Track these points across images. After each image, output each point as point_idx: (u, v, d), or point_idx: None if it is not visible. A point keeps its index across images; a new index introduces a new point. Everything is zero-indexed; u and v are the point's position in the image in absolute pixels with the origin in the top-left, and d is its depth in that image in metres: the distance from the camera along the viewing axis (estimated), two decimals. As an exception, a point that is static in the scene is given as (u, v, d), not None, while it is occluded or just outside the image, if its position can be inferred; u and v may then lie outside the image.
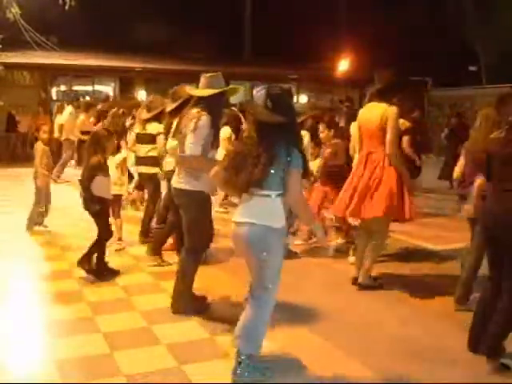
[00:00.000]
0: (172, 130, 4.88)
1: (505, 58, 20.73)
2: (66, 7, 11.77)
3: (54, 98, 17.18)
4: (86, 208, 5.03)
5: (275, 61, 19.31)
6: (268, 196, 3.04)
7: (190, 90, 4.39)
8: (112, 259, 5.59)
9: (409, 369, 3.40)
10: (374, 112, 4.69)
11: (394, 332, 3.95)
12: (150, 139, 6.07)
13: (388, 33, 21.17)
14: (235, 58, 21.09)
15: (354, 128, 5.41)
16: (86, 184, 4.94)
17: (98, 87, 17.83)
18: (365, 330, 3.97)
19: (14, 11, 11.68)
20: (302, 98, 20.02)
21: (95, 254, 5.00)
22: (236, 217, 3.14)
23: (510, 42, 20.60)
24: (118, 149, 6.21)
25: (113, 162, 6.00)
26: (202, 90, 4.17)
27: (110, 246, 5.55)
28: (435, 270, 5.49)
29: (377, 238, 4.80)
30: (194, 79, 16.60)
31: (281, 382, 3.20)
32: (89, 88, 17.55)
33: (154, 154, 6.07)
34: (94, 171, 4.93)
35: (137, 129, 6.47)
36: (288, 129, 3.08)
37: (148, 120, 6.13)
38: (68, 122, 11.16)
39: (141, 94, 17.32)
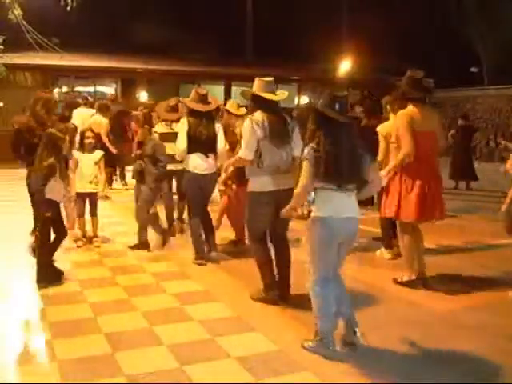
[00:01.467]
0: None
1: (507, 59, 20.72)
2: (68, 8, 11.80)
3: (56, 98, 17.19)
4: (36, 210, 4.91)
5: (276, 62, 19.32)
6: (354, 191, 3.54)
7: (266, 94, 4.36)
8: (113, 259, 5.61)
9: (410, 369, 3.40)
10: (431, 118, 4.87)
11: (396, 333, 3.95)
12: (175, 137, 6.33)
13: (389, 33, 21.18)
14: (236, 59, 21.11)
15: (387, 129, 5.51)
16: (39, 186, 4.79)
17: (99, 88, 17.85)
18: (367, 330, 3.97)
19: (16, 12, 11.71)
20: (304, 99, 20.02)
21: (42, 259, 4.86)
22: (347, 211, 3.49)
23: (511, 43, 20.59)
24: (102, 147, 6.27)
25: (91, 159, 6.05)
26: (278, 95, 4.44)
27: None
28: (438, 269, 5.48)
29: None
30: (195, 80, 16.70)
31: (282, 381, 3.20)
32: (90, 89, 17.57)
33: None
34: (50, 174, 4.78)
35: (161, 129, 6.65)
36: (354, 128, 3.59)
37: (175, 120, 6.55)
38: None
39: (142, 95, 17.35)
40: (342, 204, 3.47)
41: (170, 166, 6.52)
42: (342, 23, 23.88)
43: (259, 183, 4.30)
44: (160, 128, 6.75)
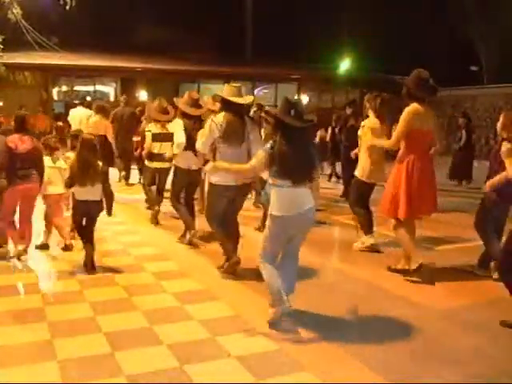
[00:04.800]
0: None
1: (506, 58, 20.73)
2: (67, 7, 11.81)
3: (56, 98, 17.21)
4: (98, 212, 5.13)
5: (276, 61, 19.32)
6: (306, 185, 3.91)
7: (234, 98, 4.80)
8: (113, 259, 5.60)
9: (411, 369, 3.40)
10: (427, 117, 4.97)
11: (396, 333, 3.95)
12: (171, 137, 6.68)
13: (389, 33, 21.18)
14: (236, 58, 21.10)
15: (373, 124, 5.94)
16: (108, 190, 5.12)
17: (99, 87, 17.85)
18: (366, 328, 3.97)
19: (15, 12, 11.72)
20: (304, 98, 20.03)
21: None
22: (299, 206, 3.84)
23: (511, 42, 20.59)
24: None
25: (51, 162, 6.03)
26: (244, 99, 4.89)
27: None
28: (435, 265, 5.48)
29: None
30: (195, 79, 16.77)
31: (282, 381, 3.20)
32: (90, 88, 17.57)
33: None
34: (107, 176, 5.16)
35: (154, 129, 6.98)
36: (308, 132, 3.98)
37: (168, 121, 6.91)
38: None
39: (142, 94, 17.34)
40: (294, 200, 3.84)
41: (157, 165, 7.01)
42: (342, 22, 23.85)
43: (216, 177, 4.79)
44: (153, 128, 6.98)
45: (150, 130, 7.03)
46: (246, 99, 4.97)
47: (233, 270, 5.01)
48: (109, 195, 5.18)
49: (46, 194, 5.81)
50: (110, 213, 5.24)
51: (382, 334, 3.90)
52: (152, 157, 7.02)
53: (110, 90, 18.20)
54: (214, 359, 3.42)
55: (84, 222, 5.19)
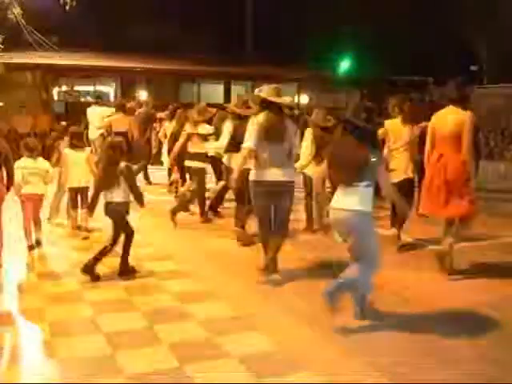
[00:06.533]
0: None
1: (506, 57, 20.71)
2: (67, 7, 11.81)
3: (56, 98, 17.19)
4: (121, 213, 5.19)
5: (276, 61, 19.31)
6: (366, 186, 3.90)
7: (275, 98, 4.94)
8: (114, 259, 5.60)
9: (411, 369, 3.40)
10: (449, 117, 5.02)
11: (397, 332, 3.94)
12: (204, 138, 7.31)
13: (389, 32, 21.17)
14: (236, 58, 21.08)
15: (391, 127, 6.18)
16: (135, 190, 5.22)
17: (99, 87, 17.83)
18: (368, 329, 3.97)
19: (15, 12, 11.73)
20: (303, 98, 20.03)
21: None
22: (342, 204, 3.96)
23: (511, 41, 20.58)
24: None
25: (80, 157, 6.54)
26: (284, 99, 5.10)
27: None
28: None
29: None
30: (195, 79, 16.88)
31: (282, 381, 3.20)
32: (90, 88, 17.56)
33: (202, 151, 7.24)
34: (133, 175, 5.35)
35: (188, 129, 7.45)
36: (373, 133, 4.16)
37: (199, 122, 7.36)
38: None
39: (142, 94, 17.33)
40: (338, 198, 4.02)
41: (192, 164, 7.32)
42: (342, 22, 23.83)
43: (255, 174, 4.93)
44: (188, 128, 7.52)
45: (185, 130, 7.53)
46: (285, 99, 5.17)
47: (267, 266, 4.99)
48: (138, 195, 5.27)
49: (25, 193, 5.87)
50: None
51: (383, 334, 3.90)
52: (187, 156, 7.43)
53: (109, 89, 18.18)
54: (214, 359, 3.43)
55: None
